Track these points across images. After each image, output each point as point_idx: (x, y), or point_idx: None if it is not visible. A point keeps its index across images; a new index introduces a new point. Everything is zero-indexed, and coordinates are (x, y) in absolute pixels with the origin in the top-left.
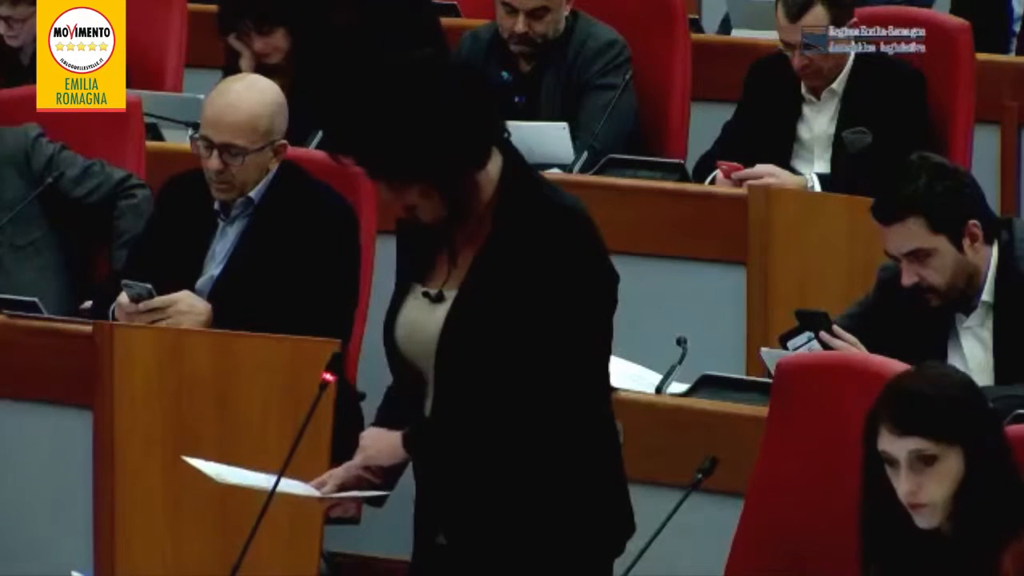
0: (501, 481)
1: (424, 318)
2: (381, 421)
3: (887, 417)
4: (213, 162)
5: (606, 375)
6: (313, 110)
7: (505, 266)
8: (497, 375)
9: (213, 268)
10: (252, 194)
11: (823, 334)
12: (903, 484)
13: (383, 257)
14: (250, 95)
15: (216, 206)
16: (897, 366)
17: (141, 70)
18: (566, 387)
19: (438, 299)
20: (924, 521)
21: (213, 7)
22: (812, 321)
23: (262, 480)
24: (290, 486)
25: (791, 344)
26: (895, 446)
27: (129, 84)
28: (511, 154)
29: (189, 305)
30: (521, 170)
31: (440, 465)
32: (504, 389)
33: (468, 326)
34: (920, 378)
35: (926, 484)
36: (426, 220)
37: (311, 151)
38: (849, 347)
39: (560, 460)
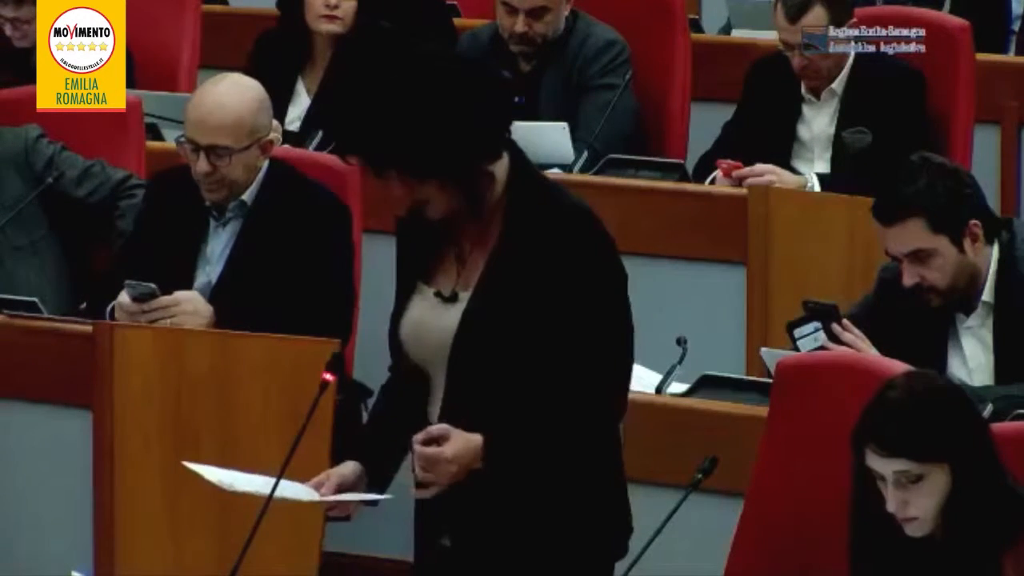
0: (508, 483)
1: (435, 318)
2: (376, 419)
3: (871, 438)
4: (201, 164)
5: (627, 375)
6: (326, 110)
7: (521, 266)
8: (514, 376)
9: (209, 270)
10: (245, 196)
11: (834, 326)
12: (891, 500)
13: (371, 256)
14: (233, 95)
15: (207, 203)
16: (898, 366)
17: (154, 71)
18: (589, 388)
19: (451, 299)
20: (914, 531)
21: (227, 8)
22: (821, 313)
23: (261, 484)
24: (289, 489)
25: (797, 332)
26: (880, 465)
27: (143, 85)
28: (516, 153)
29: (194, 307)
30: (526, 169)
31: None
32: (524, 391)
33: (486, 326)
34: (904, 395)
35: (914, 499)
36: (436, 216)
37: (295, 150)
38: (857, 341)
39: (566, 461)
